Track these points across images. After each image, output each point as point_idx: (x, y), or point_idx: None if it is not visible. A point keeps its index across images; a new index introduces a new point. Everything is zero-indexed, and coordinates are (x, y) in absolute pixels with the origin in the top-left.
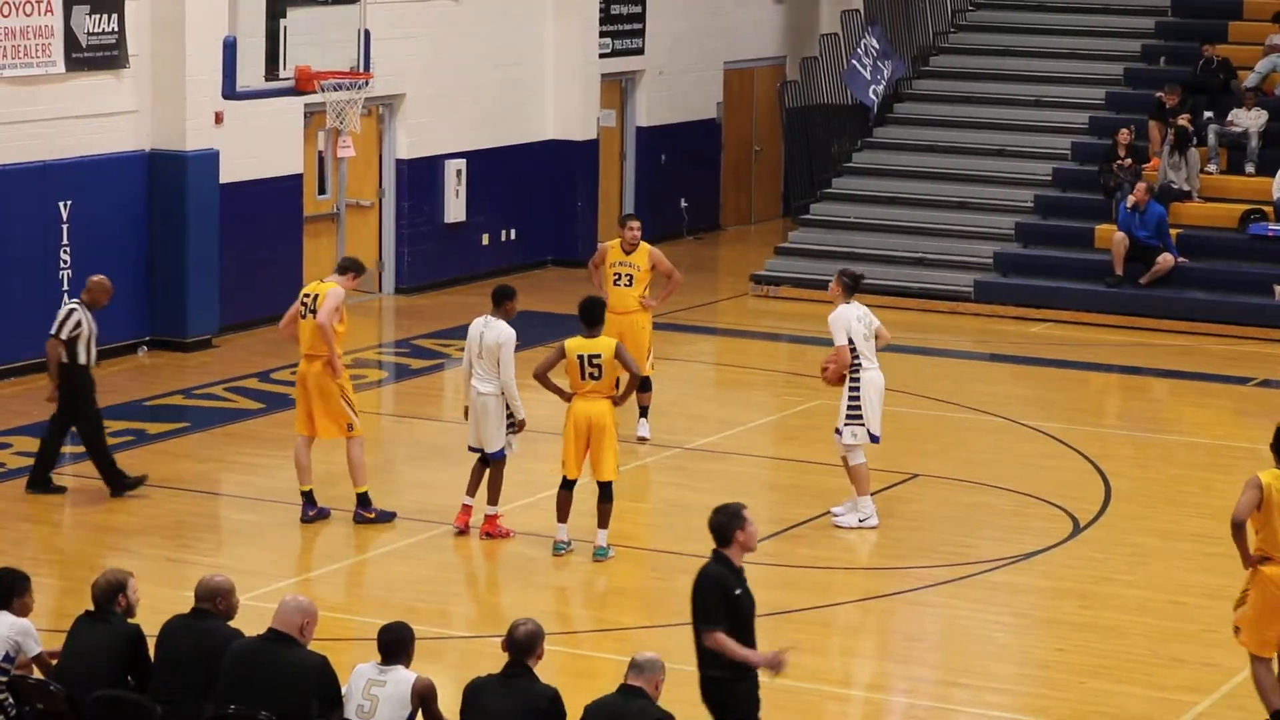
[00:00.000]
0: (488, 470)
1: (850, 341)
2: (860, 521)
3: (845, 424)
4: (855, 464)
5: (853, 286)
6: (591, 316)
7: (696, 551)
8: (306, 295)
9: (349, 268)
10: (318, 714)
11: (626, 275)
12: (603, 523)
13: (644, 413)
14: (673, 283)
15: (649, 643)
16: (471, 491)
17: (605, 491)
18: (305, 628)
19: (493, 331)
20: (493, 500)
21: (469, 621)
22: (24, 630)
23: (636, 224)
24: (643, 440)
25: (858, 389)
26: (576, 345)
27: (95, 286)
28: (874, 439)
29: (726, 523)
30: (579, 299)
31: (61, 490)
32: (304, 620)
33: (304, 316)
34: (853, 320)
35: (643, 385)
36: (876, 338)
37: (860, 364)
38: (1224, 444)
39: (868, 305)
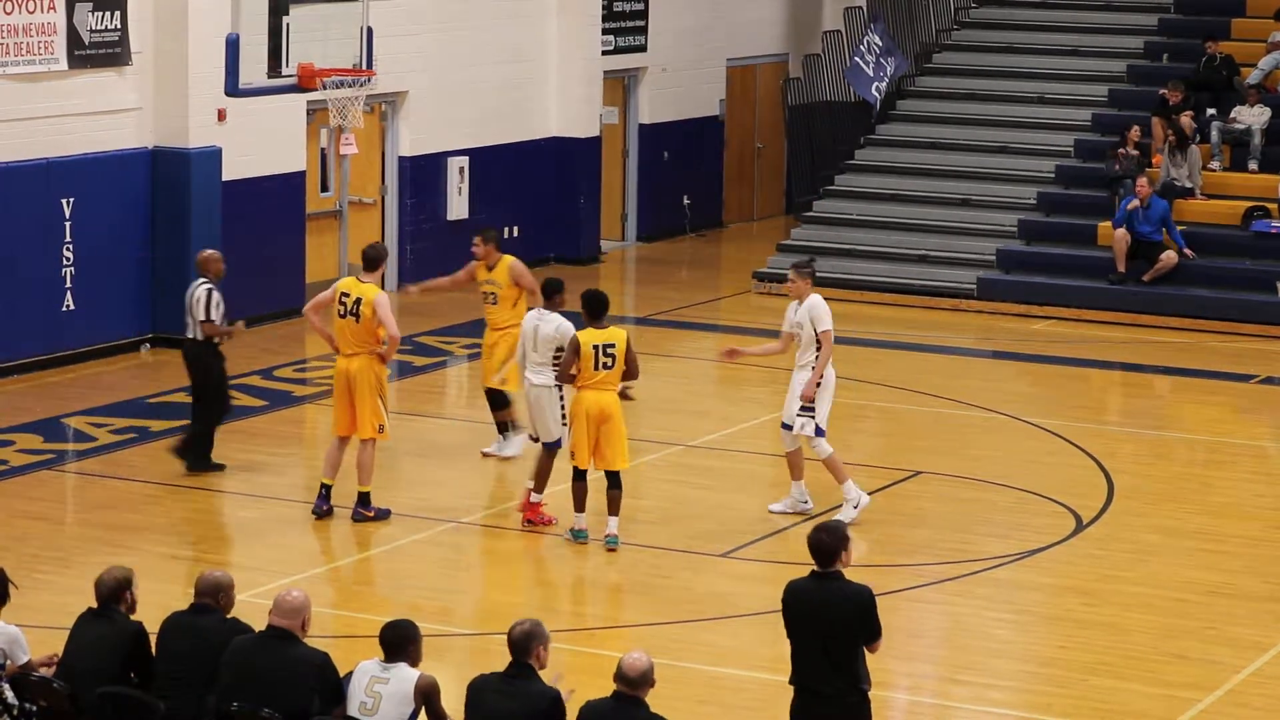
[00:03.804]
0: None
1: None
2: (855, 508)
3: (798, 415)
4: (825, 455)
5: (813, 277)
6: (595, 308)
7: (698, 549)
8: (345, 294)
9: (378, 258)
10: (319, 710)
11: (490, 294)
12: (614, 510)
13: (501, 430)
14: (536, 300)
15: (651, 639)
16: (540, 486)
17: (615, 480)
18: (305, 623)
19: (549, 324)
20: (539, 488)
21: (472, 619)
22: (12, 639)
23: (476, 239)
24: (487, 456)
25: (820, 382)
26: (590, 336)
27: (215, 260)
28: (820, 432)
29: (836, 544)
30: (581, 293)
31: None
32: (303, 615)
33: (343, 316)
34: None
35: (498, 402)
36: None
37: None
38: (1226, 441)
39: (871, 303)
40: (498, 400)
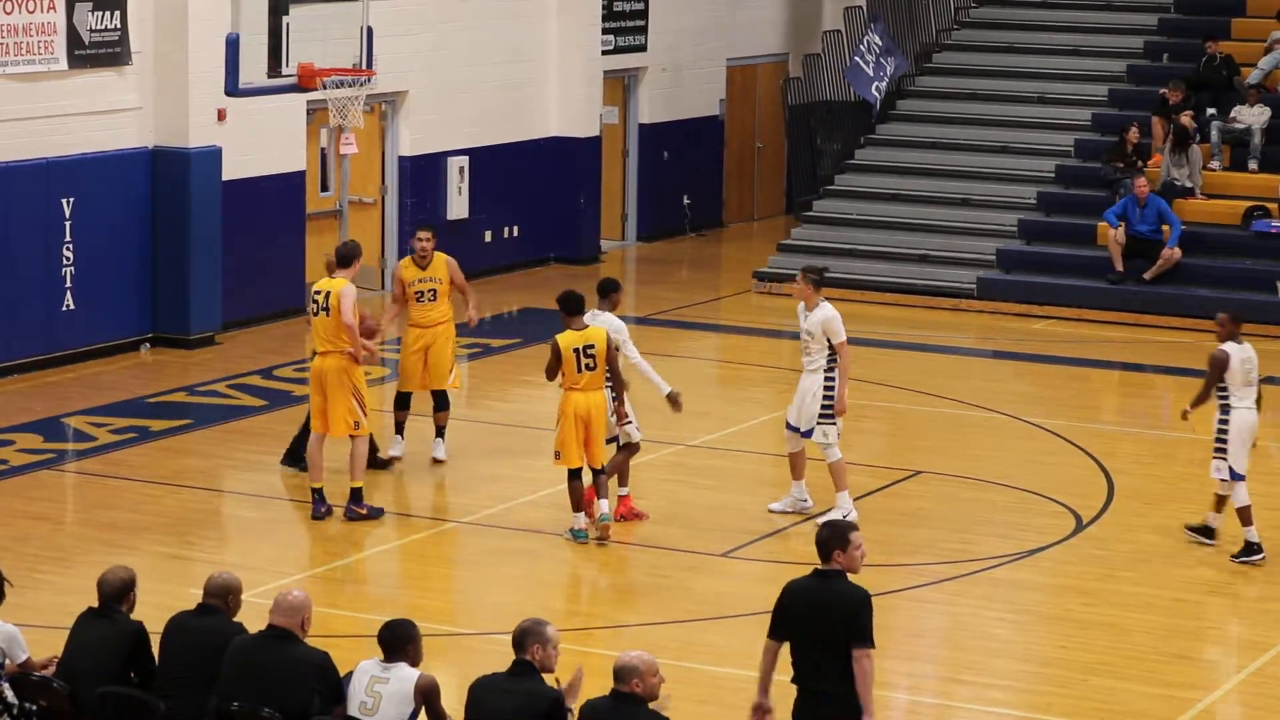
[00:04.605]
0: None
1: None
2: (844, 517)
3: (818, 423)
4: (834, 460)
5: (821, 282)
6: (571, 306)
7: (698, 549)
8: (317, 292)
9: (350, 256)
10: (319, 710)
11: (429, 290)
12: (602, 494)
13: (440, 433)
14: (469, 300)
15: (651, 639)
16: (622, 481)
17: (601, 469)
18: (305, 622)
19: (600, 324)
20: (623, 484)
21: (472, 619)
22: (10, 637)
23: (424, 234)
24: (438, 461)
25: (833, 388)
26: (569, 340)
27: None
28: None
29: (832, 539)
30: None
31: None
32: (303, 615)
33: (315, 314)
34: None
35: (440, 404)
36: None
37: (835, 362)
38: None
39: (872, 302)
40: (441, 401)
